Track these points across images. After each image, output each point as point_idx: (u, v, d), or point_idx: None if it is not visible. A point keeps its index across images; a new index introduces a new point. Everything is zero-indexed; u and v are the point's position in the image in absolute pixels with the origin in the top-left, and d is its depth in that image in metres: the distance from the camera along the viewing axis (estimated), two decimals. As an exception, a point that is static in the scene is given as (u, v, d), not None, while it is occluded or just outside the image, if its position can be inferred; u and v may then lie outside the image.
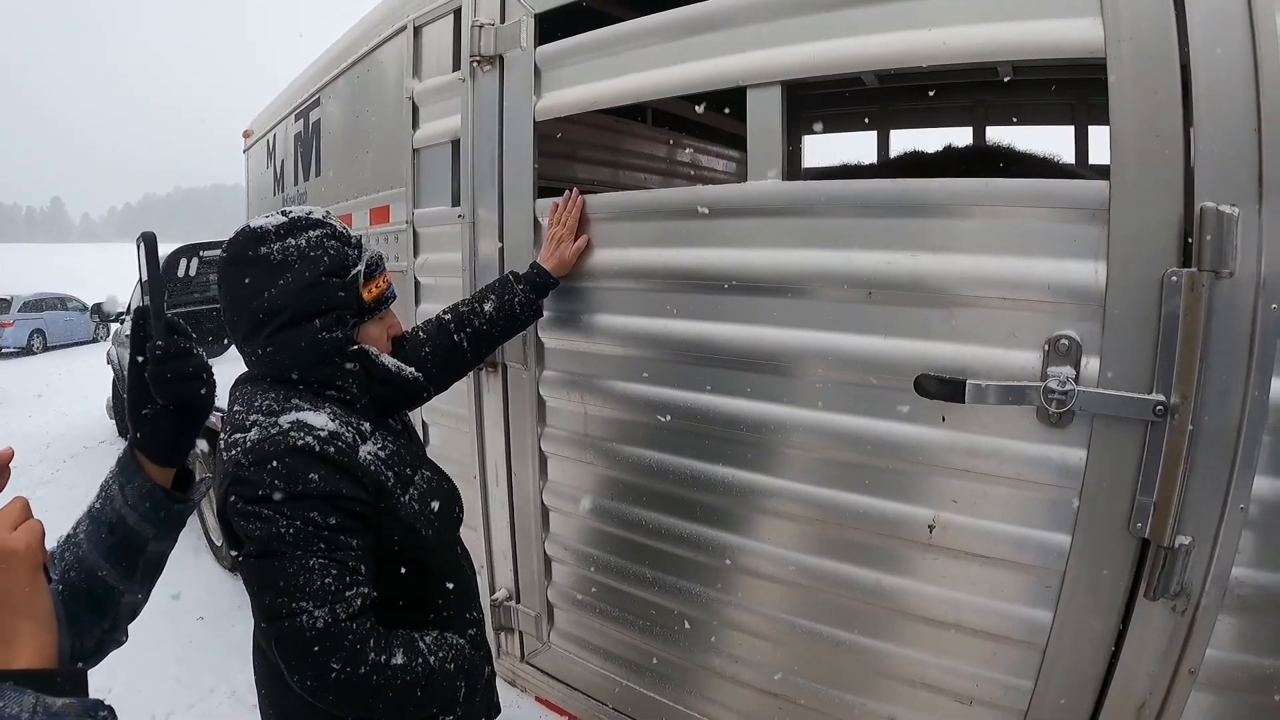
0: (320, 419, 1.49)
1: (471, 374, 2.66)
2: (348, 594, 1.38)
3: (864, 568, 1.94)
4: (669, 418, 2.24)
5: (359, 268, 1.59)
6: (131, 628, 1.29)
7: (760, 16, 1.94)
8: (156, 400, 1.23)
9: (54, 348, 20.95)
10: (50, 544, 1.01)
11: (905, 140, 4.51)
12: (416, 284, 3.09)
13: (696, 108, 2.38)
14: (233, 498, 1.42)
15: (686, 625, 2.37)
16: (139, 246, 1.28)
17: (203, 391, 1.26)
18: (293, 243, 1.52)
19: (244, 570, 1.44)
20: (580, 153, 3.83)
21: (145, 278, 1.25)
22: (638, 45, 2.19)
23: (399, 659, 1.42)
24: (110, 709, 0.88)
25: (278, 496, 1.38)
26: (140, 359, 1.22)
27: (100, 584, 1.16)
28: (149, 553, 1.21)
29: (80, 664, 1.16)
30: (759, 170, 1.97)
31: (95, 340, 21.32)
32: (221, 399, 1.46)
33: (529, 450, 2.68)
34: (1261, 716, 1.58)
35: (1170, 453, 1.50)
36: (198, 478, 1.35)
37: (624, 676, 2.60)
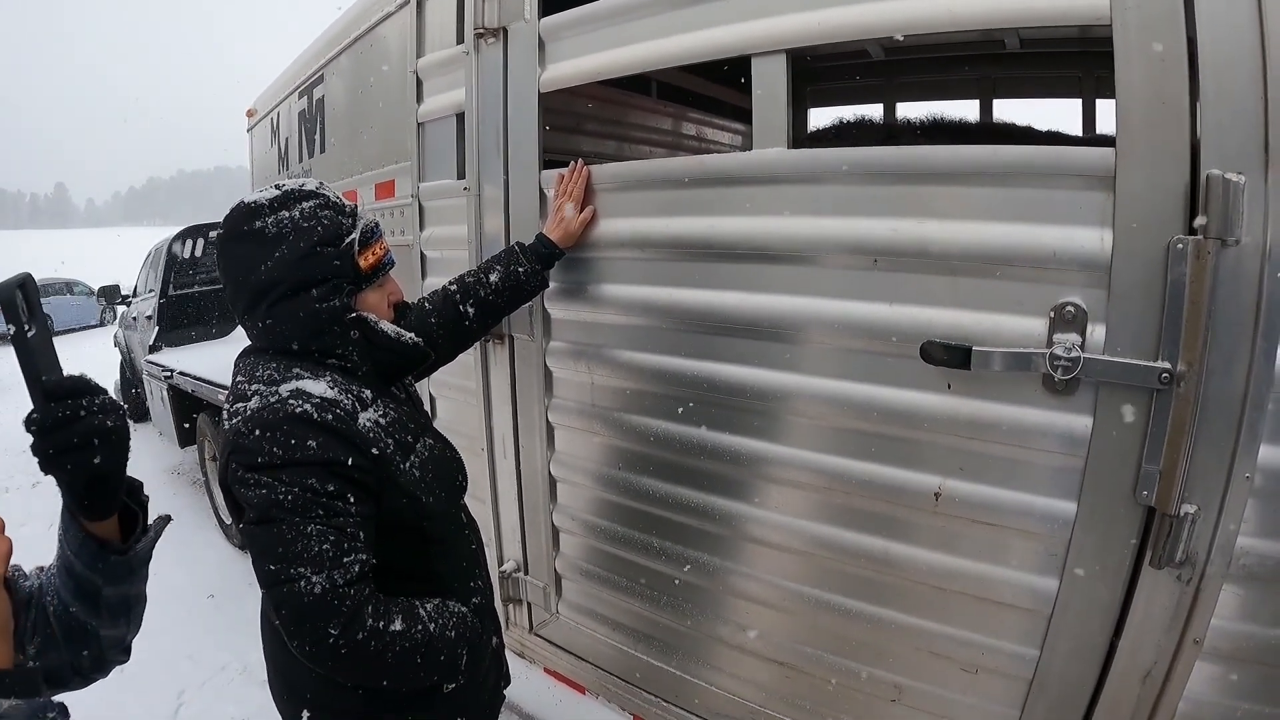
0: (319, 387, 1.52)
1: (478, 346, 2.70)
2: (345, 560, 1.40)
3: (870, 535, 1.95)
4: (675, 387, 2.25)
5: (353, 236, 1.60)
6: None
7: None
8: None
9: (61, 332, 21.06)
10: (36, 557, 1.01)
11: (912, 114, 4.49)
12: (423, 258, 3.09)
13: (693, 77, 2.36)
14: (233, 465, 1.45)
15: (693, 594, 2.38)
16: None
17: (96, 460, 1.06)
18: (286, 215, 1.54)
19: (245, 537, 1.47)
20: (586, 126, 3.82)
21: (10, 334, 1.03)
22: (642, 15, 2.17)
23: (397, 625, 1.45)
24: (61, 707, 0.89)
25: (276, 463, 1.41)
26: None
27: (74, 619, 1.15)
28: (106, 597, 1.16)
29: (81, 678, 1.18)
30: (764, 139, 1.97)
31: (102, 324, 21.44)
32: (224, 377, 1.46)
33: (536, 422, 2.69)
34: (1266, 687, 1.58)
35: (1176, 420, 1.49)
36: (148, 523, 1.23)
37: (632, 646, 2.62)
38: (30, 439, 1.04)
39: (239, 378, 1.59)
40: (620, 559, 2.56)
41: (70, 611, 1.14)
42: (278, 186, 1.60)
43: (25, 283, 1.05)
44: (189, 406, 6.25)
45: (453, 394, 3.11)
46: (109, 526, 1.15)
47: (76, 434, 1.04)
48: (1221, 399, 1.47)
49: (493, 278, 2.17)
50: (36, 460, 1.04)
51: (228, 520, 5.64)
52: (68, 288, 22.90)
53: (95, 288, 14.31)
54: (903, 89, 4.52)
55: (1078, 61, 3.74)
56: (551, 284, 2.41)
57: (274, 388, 1.50)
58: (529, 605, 2.95)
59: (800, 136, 4.68)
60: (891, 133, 4.05)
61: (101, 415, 1.07)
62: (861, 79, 4.61)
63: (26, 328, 1.03)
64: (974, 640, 1.86)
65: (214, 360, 5.92)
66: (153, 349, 7.45)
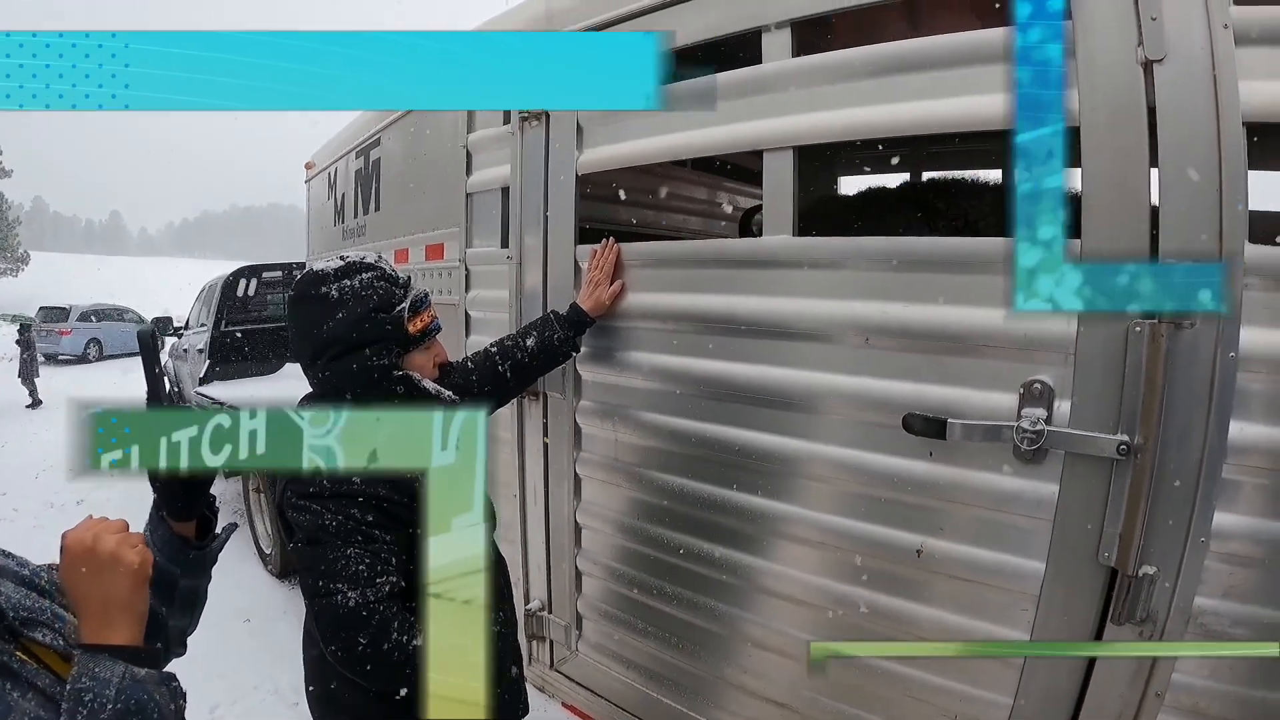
0: None
1: (515, 401, 2.87)
2: (378, 580, 1.61)
3: (861, 588, 2.08)
4: (691, 447, 2.42)
5: (404, 305, 1.82)
6: None
7: (774, 87, 2.13)
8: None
9: (110, 357, 21.33)
10: None
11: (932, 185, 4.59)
12: (467, 317, 3.29)
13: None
14: (288, 492, 1.68)
15: (703, 637, 2.52)
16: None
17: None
18: (348, 283, 1.77)
19: (294, 554, 1.71)
20: (623, 196, 4.01)
21: (144, 370, 1.33)
22: (668, 110, 2.32)
23: (419, 641, 1.62)
24: (176, 679, 1.14)
25: (325, 494, 1.63)
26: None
27: (150, 608, 1.31)
28: (181, 588, 1.34)
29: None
30: (773, 226, 2.16)
31: (151, 352, 21.81)
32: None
33: (565, 472, 2.87)
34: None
35: (1133, 488, 1.62)
36: (218, 529, 1.43)
37: (644, 684, 2.75)
38: None
39: None
40: (637, 602, 2.71)
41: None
42: (343, 258, 1.82)
43: (154, 331, 1.31)
44: (235, 439, 6.36)
45: (490, 444, 3.24)
46: (188, 527, 1.37)
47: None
48: (1178, 468, 1.60)
49: (529, 342, 2.38)
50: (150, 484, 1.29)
51: (267, 550, 5.80)
52: (119, 314, 23.39)
53: (145, 316, 14.67)
54: (931, 158, 4.63)
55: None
56: (583, 349, 2.60)
57: None
58: (551, 642, 3.11)
59: (827, 206, 4.80)
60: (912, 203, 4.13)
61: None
62: (889, 149, 4.72)
63: (158, 368, 1.33)
64: (952, 688, 1.97)
65: (261, 395, 6.12)
66: (202, 380, 7.71)
